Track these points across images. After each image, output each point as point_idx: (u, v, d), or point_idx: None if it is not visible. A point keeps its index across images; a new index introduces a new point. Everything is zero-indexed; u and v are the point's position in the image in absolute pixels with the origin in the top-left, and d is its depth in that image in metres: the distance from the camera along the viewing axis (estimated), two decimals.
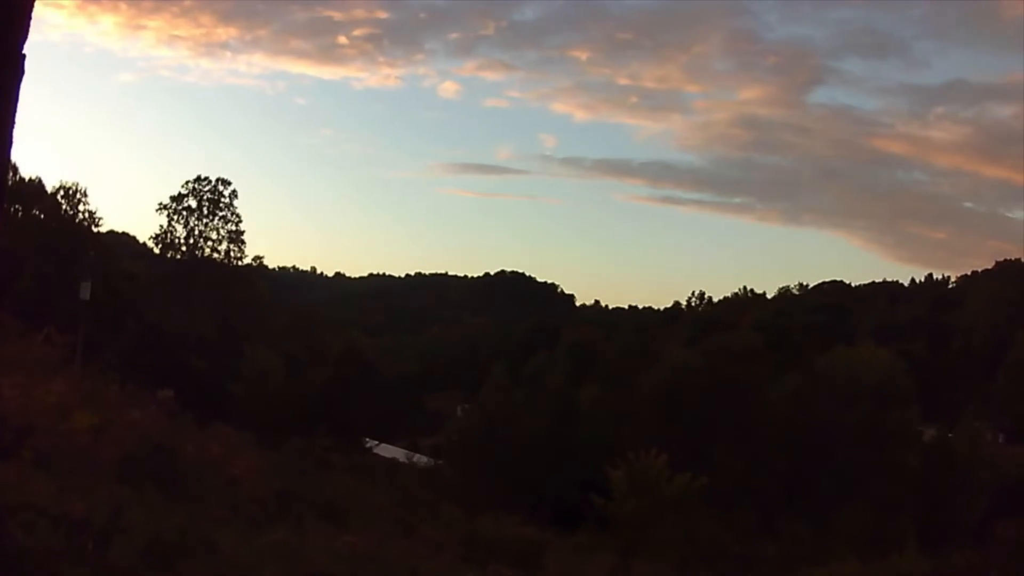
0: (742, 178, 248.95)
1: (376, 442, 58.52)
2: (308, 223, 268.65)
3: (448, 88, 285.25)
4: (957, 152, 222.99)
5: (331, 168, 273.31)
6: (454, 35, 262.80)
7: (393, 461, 48.82)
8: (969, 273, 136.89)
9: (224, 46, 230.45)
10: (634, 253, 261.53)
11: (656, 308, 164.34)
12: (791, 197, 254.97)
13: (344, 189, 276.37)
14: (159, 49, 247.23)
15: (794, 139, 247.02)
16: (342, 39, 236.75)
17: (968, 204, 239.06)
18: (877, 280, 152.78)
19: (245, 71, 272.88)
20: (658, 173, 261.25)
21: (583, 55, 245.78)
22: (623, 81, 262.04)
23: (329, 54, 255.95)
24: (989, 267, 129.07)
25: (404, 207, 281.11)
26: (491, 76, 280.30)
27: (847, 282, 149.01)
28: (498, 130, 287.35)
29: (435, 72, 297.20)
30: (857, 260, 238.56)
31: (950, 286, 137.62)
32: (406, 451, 59.11)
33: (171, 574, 7.87)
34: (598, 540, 27.76)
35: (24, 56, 4.42)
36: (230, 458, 17.22)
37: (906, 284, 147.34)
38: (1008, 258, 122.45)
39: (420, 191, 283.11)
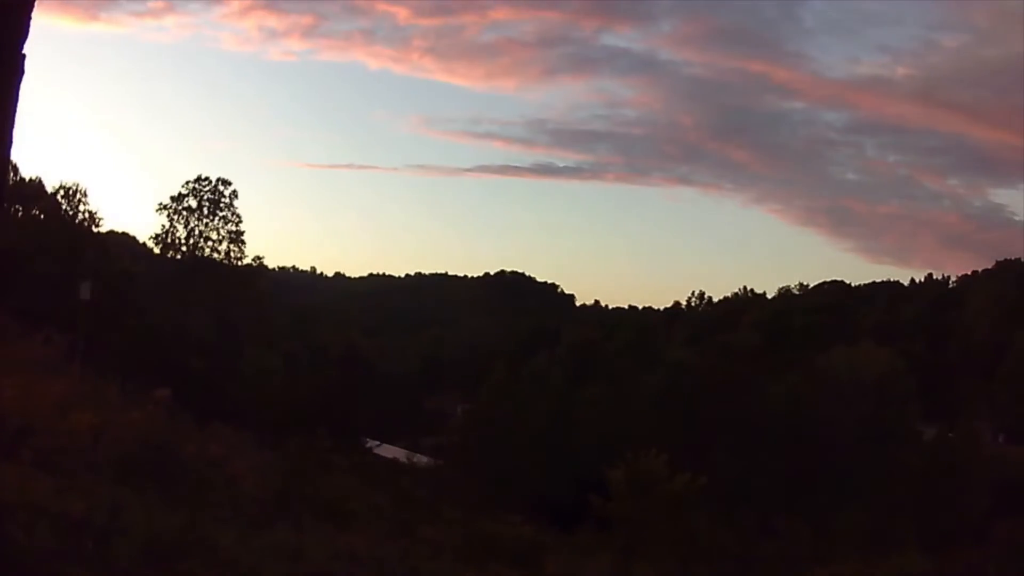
0: (613, 134, 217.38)
1: (376, 442, 58.48)
2: (282, 219, 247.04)
3: (228, 40, 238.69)
4: (868, 94, 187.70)
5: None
6: None
7: (393, 461, 48.82)
8: (969, 273, 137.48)
9: None
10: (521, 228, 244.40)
11: (656, 308, 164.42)
12: (690, 158, 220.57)
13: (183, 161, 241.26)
14: None
15: (649, 82, 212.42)
16: None
17: (903, 171, 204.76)
18: (877, 280, 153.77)
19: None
20: (514, 134, 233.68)
21: None
22: (408, 20, 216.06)
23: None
24: (989, 266, 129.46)
25: (241, 184, 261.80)
26: (268, 22, 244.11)
27: (847, 282, 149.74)
28: (315, 89, 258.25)
29: (205, 23, 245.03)
30: (794, 243, 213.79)
31: (950, 286, 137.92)
32: (406, 451, 59.06)
33: (171, 574, 7.86)
34: (598, 540, 27.73)
35: (24, 56, 4.42)
36: (230, 458, 17.24)
37: (906, 284, 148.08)
38: (1008, 257, 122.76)
39: (251, 164, 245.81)
